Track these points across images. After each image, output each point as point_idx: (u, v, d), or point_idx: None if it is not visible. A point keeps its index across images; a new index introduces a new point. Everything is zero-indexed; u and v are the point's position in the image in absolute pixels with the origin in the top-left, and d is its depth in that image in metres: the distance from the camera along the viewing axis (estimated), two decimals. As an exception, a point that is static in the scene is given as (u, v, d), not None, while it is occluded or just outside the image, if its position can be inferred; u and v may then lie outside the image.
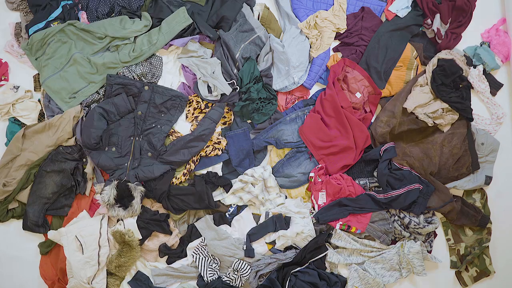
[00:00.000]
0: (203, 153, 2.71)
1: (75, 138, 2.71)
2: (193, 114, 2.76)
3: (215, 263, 2.65)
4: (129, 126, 2.71)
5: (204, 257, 2.64)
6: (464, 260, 2.75)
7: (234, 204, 2.74)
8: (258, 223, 2.70)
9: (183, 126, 2.77)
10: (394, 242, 2.72)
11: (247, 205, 2.74)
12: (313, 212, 2.69)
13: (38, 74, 2.78)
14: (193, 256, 2.66)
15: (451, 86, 2.70)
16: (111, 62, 2.71)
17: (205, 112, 2.77)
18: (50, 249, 2.73)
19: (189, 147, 2.67)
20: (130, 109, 2.68)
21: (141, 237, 2.64)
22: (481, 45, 2.80)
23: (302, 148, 2.75)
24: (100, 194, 2.62)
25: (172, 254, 2.72)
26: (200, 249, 2.66)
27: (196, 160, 2.72)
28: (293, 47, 2.74)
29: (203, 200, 2.62)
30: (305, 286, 2.58)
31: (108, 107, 2.65)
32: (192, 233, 2.72)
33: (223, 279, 2.61)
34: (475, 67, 2.77)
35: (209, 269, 2.62)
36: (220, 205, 2.72)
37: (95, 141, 2.61)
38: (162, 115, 2.73)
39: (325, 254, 2.65)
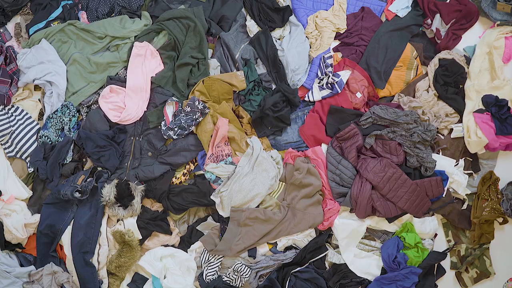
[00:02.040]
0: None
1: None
2: (193, 114, 2.76)
3: (217, 264, 2.65)
4: (129, 126, 2.71)
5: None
6: (464, 261, 2.74)
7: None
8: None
9: (183, 126, 2.77)
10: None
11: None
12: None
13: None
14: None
15: (452, 85, 2.71)
16: (112, 62, 2.72)
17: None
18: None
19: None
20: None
21: (141, 237, 2.64)
22: (481, 45, 2.80)
23: (302, 148, 2.75)
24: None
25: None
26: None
27: (196, 161, 2.72)
28: (293, 49, 2.74)
29: (204, 196, 2.63)
30: (305, 285, 2.58)
31: None
32: (193, 234, 2.71)
33: (223, 279, 2.61)
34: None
35: (210, 268, 2.63)
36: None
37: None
38: (163, 115, 2.74)
39: (325, 254, 2.65)
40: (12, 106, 2.71)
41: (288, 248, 2.68)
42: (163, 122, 2.64)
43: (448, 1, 2.80)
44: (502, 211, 2.63)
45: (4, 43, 2.79)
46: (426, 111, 2.70)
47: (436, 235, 2.75)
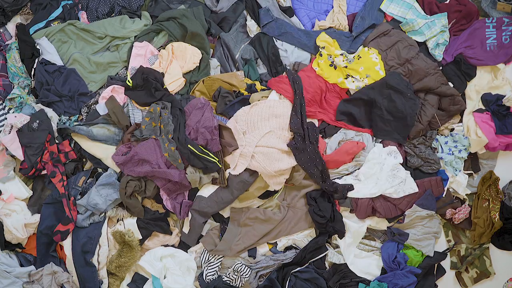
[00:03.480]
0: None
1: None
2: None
3: (217, 264, 2.65)
4: (129, 125, 2.71)
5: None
6: (464, 261, 2.74)
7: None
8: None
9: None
10: (394, 242, 2.72)
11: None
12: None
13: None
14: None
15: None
16: (112, 62, 2.72)
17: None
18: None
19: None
20: None
21: (141, 237, 2.64)
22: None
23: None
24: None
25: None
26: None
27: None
28: (295, 49, 2.75)
29: None
30: (305, 285, 2.58)
31: None
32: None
33: (223, 279, 2.61)
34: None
35: (210, 268, 2.63)
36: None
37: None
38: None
39: (325, 254, 2.65)
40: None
41: (288, 248, 2.68)
42: None
43: (448, 2, 2.80)
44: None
45: (4, 43, 2.79)
46: None
47: (436, 234, 2.75)
